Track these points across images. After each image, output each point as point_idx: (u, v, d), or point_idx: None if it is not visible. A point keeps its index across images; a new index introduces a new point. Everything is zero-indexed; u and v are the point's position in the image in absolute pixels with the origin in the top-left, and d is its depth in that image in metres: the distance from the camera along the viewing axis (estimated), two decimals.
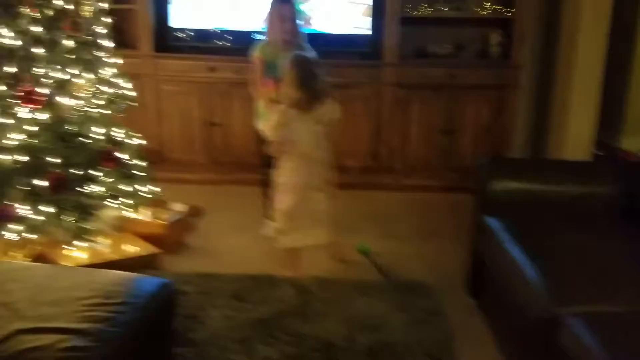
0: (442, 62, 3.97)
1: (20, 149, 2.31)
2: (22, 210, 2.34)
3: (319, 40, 3.91)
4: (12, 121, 2.28)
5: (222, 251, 2.86)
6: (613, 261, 1.73)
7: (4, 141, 2.29)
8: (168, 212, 2.99)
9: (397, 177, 4.02)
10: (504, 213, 2.12)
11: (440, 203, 3.73)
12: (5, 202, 2.33)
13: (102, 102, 2.60)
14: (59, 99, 2.37)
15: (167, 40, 3.97)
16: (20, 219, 2.34)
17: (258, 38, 3.21)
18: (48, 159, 2.37)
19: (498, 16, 3.91)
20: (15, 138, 2.29)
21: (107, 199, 2.56)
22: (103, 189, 2.53)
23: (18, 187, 2.33)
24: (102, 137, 2.56)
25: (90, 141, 2.52)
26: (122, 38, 4.04)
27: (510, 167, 2.29)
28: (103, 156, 2.54)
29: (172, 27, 3.95)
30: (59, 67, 2.36)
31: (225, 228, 3.17)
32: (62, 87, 2.39)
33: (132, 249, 2.61)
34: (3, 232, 2.34)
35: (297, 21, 2.84)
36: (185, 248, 2.88)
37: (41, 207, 2.36)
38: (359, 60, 3.94)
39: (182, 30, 3.96)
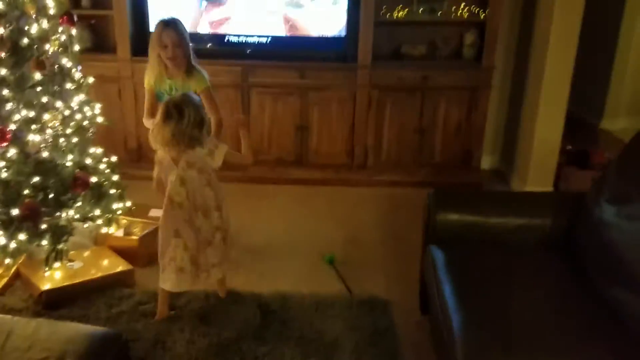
0: (415, 63, 4.02)
1: None
2: None
3: (294, 43, 4.00)
4: None
5: None
6: (537, 303, 1.87)
7: None
8: (143, 223, 3.11)
9: (370, 174, 4.16)
10: (448, 243, 2.25)
11: (410, 197, 3.81)
12: None
13: (71, 130, 2.69)
14: (27, 135, 2.47)
15: (145, 44, 4.02)
16: None
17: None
18: (22, 189, 2.50)
19: (472, 18, 3.94)
20: None
21: (81, 221, 2.69)
22: (73, 213, 2.66)
23: None
24: (71, 164, 2.67)
25: (61, 168, 2.64)
26: (103, 42, 4.13)
27: (455, 200, 2.39)
28: (74, 182, 2.65)
29: (147, 33, 3.99)
30: (24, 105, 2.45)
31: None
32: (28, 123, 2.49)
33: (105, 266, 2.75)
34: None
35: (184, 44, 2.62)
36: None
37: (17, 233, 2.50)
38: (334, 63, 4.00)
39: None
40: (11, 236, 2.49)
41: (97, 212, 2.73)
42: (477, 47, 4.01)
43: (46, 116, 2.54)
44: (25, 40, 2.50)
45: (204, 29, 4.05)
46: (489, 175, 4.31)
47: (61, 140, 2.66)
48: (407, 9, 3.99)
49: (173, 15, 2.92)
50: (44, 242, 2.59)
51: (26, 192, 2.51)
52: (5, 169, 2.47)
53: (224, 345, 2.26)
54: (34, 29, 2.51)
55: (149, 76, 2.68)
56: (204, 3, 4.00)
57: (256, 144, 4.08)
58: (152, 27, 3.89)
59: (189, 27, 3.99)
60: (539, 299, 1.90)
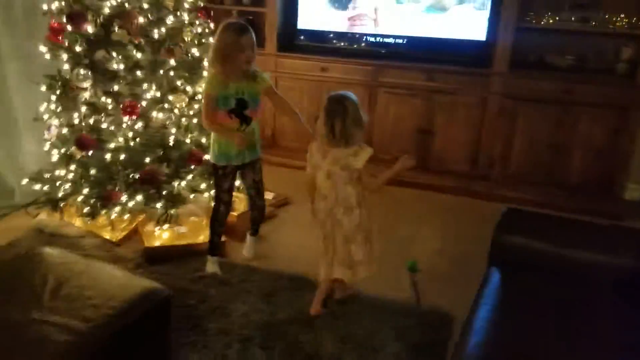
0: (559, 75, 3.71)
1: (121, 149, 2.88)
2: (123, 196, 2.94)
3: (431, 45, 3.96)
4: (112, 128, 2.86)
5: (285, 244, 3.19)
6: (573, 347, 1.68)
7: (111, 143, 2.88)
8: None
9: (493, 187, 3.94)
10: (513, 268, 2.10)
11: None
12: (110, 188, 2.94)
13: (192, 112, 3.05)
14: (154, 112, 2.87)
15: (291, 41, 4.33)
16: (120, 203, 2.95)
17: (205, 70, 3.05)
18: (145, 157, 2.92)
19: (632, 31, 3.51)
20: (118, 140, 2.87)
21: (189, 192, 3.05)
22: (185, 184, 3.02)
23: (120, 178, 2.92)
24: (189, 141, 3.04)
25: (181, 144, 3.02)
26: (258, 37, 4.50)
27: (528, 222, 2.20)
28: (189, 157, 3.02)
29: (297, 29, 4.29)
30: (155, 86, 2.85)
31: (302, 221, 3.47)
32: (157, 102, 2.89)
33: (205, 235, 3.06)
34: (109, 211, 2.98)
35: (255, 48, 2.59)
36: (257, 236, 3.25)
37: (136, 194, 2.94)
38: (465, 67, 3.87)
39: (304, 32, 4.29)
40: (130, 196, 2.94)
41: (203, 185, 3.06)
42: (634, 63, 3.55)
43: (171, 97, 2.92)
44: (163, 30, 2.90)
45: (342, 26, 4.20)
46: (633, 207, 3.79)
47: (183, 120, 3.03)
48: (556, 16, 3.70)
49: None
50: (159, 205, 3.01)
51: (147, 160, 2.92)
52: (132, 139, 2.91)
53: (274, 324, 2.40)
54: (169, 21, 2.90)
55: (211, 80, 2.57)
56: (348, 3, 4.15)
57: (377, 143, 4.14)
58: (300, 25, 4.22)
59: (329, 25, 4.22)
60: (578, 345, 1.69)
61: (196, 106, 3.08)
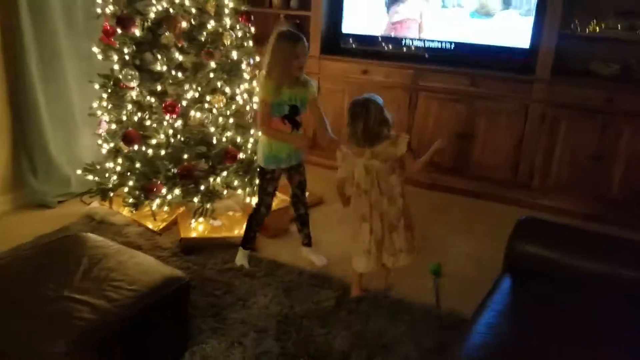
0: (603, 83, 3.61)
1: (162, 145, 3.08)
2: (163, 189, 3.13)
3: (474, 50, 3.95)
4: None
5: (315, 244, 3.29)
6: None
7: (154, 139, 3.08)
8: (280, 200, 3.52)
9: (533, 195, 3.89)
10: (527, 276, 2.11)
11: None
12: (153, 181, 3.14)
13: (230, 112, 3.20)
14: (190, 111, 3.05)
15: (335, 44, 4.43)
16: (160, 195, 3.15)
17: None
18: (183, 153, 3.11)
19: None
20: (160, 137, 3.07)
21: (223, 188, 3.21)
22: (220, 179, 3.19)
23: (161, 172, 3.12)
24: (226, 140, 3.20)
25: (218, 142, 3.19)
26: None
27: (542, 231, 2.19)
28: (225, 154, 3.18)
29: (342, 33, 4.39)
30: (196, 87, 3.03)
31: (332, 221, 3.57)
32: (196, 102, 3.06)
33: (237, 229, 3.22)
34: (151, 203, 3.19)
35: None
36: (288, 234, 3.38)
37: (174, 188, 3.13)
38: (508, 73, 3.83)
39: (348, 35, 4.38)
40: (170, 189, 3.13)
41: (236, 182, 3.22)
42: None
43: (208, 98, 3.08)
44: (204, 34, 3.07)
45: (385, 30, 4.26)
46: None
47: (220, 119, 3.19)
48: (603, 24, 3.60)
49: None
50: (196, 199, 3.19)
51: (186, 156, 3.10)
52: (173, 136, 3.10)
53: (290, 317, 2.51)
54: (210, 25, 3.06)
55: (267, 88, 2.63)
56: (393, 7, 4.19)
57: (416, 147, 4.17)
58: (344, 29, 4.31)
59: (372, 29, 4.29)
60: (576, 353, 1.70)
61: (234, 106, 3.23)
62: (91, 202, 3.54)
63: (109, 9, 3.07)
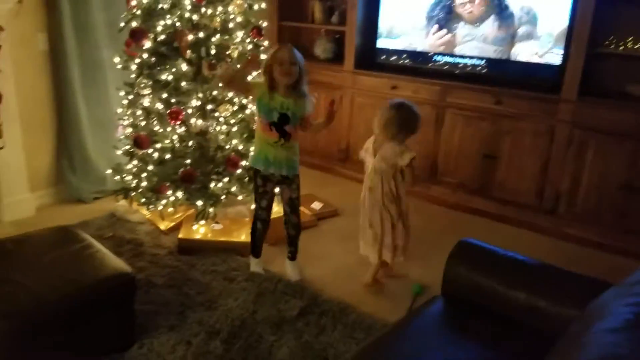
0: (636, 106, 3.30)
1: (167, 149, 3.29)
2: (169, 191, 3.34)
3: (502, 66, 3.79)
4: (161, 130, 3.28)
5: (310, 253, 3.31)
6: None
7: (159, 144, 3.30)
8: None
9: (558, 223, 3.64)
10: (454, 299, 2.03)
11: (601, 264, 3.27)
12: (161, 183, 3.36)
13: (233, 121, 3.35)
14: (192, 119, 3.23)
15: (369, 59, 4.44)
16: (167, 197, 3.36)
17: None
18: (186, 158, 3.30)
19: None
20: (164, 142, 3.28)
21: (222, 194, 3.35)
22: (221, 185, 3.33)
23: (166, 175, 3.33)
24: (229, 147, 3.34)
25: (221, 149, 3.34)
26: (343, 54, 4.68)
27: (480, 256, 2.06)
28: (227, 161, 3.32)
29: (376, 48, 4.40)
30: (197, 96, 3.21)
31: (340, 235, 3.58)
32: (199, 110, 3.24)
33: (236, 234, 3.34)
34: (159, 203, 3.41)
35: (298, 64, 2.69)
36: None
37: (177, 191, 3.32)
38: (534, 92, 3.63)
39: (382, 50, 4.38)
40: (174, 192, 3.33)
41: (234, 189, 3.34)
42: None
43: (209, 107, 3.25)
44: (211, 47, 3.25)
45: (419, 46, 4.20)
46: None
47: (224, 127, 3.34)
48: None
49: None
50: (199, 203, 3.36)
51: (188, 161, 3.29)
52: (179, 141, 3.30)
53: (248, 322, 2.56)
54: (215, 38, 3.23)
55: (261, 87, 2.73)
56: (429, 24, 4.13)
57: (442, 165, 4.07)
58: (379, 44, 4.31)
59: (407, 45, 4.24)
60: None
61: (240, 115, 3.37)
62: (120, 200, 3.84)
63: (134, 24, 3.34)
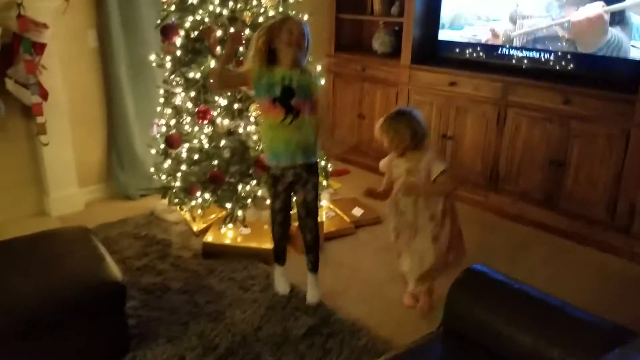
0: None
1: (195, 149, 3.19)
2: (198, 191, 3.25)
3: (573, 61, 3.32)
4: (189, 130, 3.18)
5: (340, 265, 3.08)
6: None
7: (187, 143, 3.22)
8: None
9: (632, 243, 3.13)
10: (455, 334, 1.73)
11: None
12: (193, 183, 3.28)
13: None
14: (219, 119, 3.10)
15: (427, 52, 4.09)
16: (196, 198, 3.28)
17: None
18: (214, 159, 3.19)
19: None
20: (193, 142, 3.19)
21: (252, 197, 3.20)
22: (248, 187, 3.19)
23: (196, 175, 3.25)
24: (259, 149, 3.18)
25: (250, 151, 3.20)
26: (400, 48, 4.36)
27: (484, 286, 1.73)
28: (255, 164, 3.17)
29: (436, 41, 4.05)
30: (228, 94, 3.08)
31: (378, 244, 3.31)
32: (226, 109, 3.11)
33: (261, 240, 3.17)
34: (189, 204, 3.34)
35: (307, 37, 2.40)
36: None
37: (205, 192, 3.23)
38: (611, 92, 3.12)
39: (441, 43, 4.02)
40: (202, 193, 3.24)
41: (259, 193, 3.18)
42: None
43: (236, 106, 3.10)
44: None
45: (481, 38, 3.80)
46: None
47: (253, 127, 3.19)
48: None
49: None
50: (228, 205, 3.24)
51: (216, 162, 3.18)
52: (209, 141, 3.19)
53: (249, 338, 2.39)
54: (244, 34, 3.07)
55: (253, 72, 2.43)
56: (492, 13, 3.72)
57: (503, 171, 3.66)
58: (440, 37, 3.97)
59: (468, 37, 3.85)
60: None
61: None
62: (161, 199, 3.82)
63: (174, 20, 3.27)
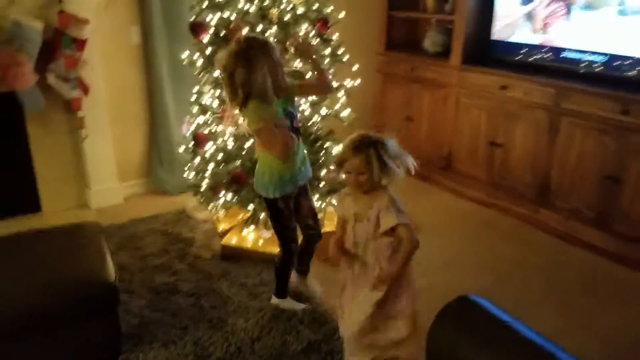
0: None
1: (219, 149, 3.13)
2: (222, 191, 3.20)
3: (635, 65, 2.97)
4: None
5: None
6: None
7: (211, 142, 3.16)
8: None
9: None
10: None
11: None
12: (217, 182, 3.23)
13: None
14: (241, 119, 3.01)
15: (480, 53, 3.82)
16: (219, 198, 3.22)
17: None
18: (236, 160, 3.12)
19: None
20: (217, 142, 3.13)
21: None
22: None
23: (221, 175, 3.19)
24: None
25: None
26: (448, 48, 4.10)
27: (472, 321, 1.49)
28: None
29: (489, 41, 3.76)
30: None
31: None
32: None
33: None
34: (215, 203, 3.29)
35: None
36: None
37: (227, 193, 3.16)
38: None
39: (494, 43, 3.74)
40: (225, 194, 3.18)
41: None
42: None
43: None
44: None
45: (536, 39, 3.49)
46: None
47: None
48: None
49: None
50: (250, 207, 3.16)
51: (238, 162, 3.10)
52: (234, 141, 3.12)
53: (243, 350, 2.29)
54: (270, 32, 2.97)
55: (267, 110, 2.26)
56: (546, 10, 3.39)
57: (555, 184, 3.33)
58: (494, 36, 3.69)
59: (522, 37, 3.53)
60: None
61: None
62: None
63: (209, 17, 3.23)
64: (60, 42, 3.33)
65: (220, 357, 2.26)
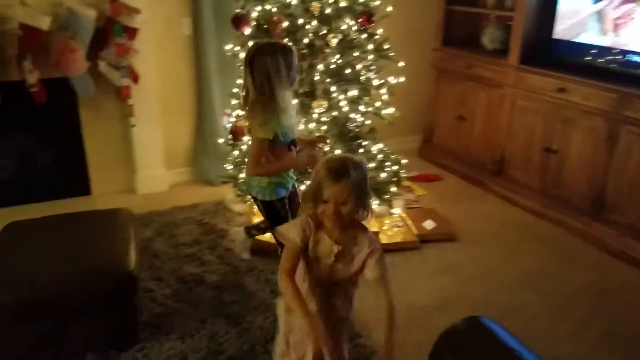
0: None
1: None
2: None
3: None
4: None
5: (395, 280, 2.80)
6: None
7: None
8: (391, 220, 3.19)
9: None
10: None
11: None
12: None
13: (324, 119, 2.99)
14: None
15: (540, 52, 3.58)
16: None
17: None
18: None
19: None
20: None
21: None
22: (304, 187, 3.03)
23: None
24: None
25: None
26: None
27: (478, 347, 1.37)
28: None
29: (550, 39, 3.52)
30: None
31: (440, 265, 2.98)
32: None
33: None
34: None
35: None
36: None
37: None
38: None
39: (556, 42, 3.50)
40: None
41: None
42: None
43: (294, 101, 2.94)
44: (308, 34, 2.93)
45: (604, 40, 3.22)
46: None
47: (313, 125, 3.01)
48: None
49: None
50: None
51: None
52: None
53: (257, 350, 2.27)
54: (311, 26, 2.90)
55: (275, 121, 2.33)
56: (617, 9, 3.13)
57: (610, 197, 3.08)
58: (556, 35, 3.46)
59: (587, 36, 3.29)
60: None
61: (334, 113, 3.00)
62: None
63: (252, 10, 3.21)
64: (112, 31, 3.42)
65: (233, 354, 2.24)
